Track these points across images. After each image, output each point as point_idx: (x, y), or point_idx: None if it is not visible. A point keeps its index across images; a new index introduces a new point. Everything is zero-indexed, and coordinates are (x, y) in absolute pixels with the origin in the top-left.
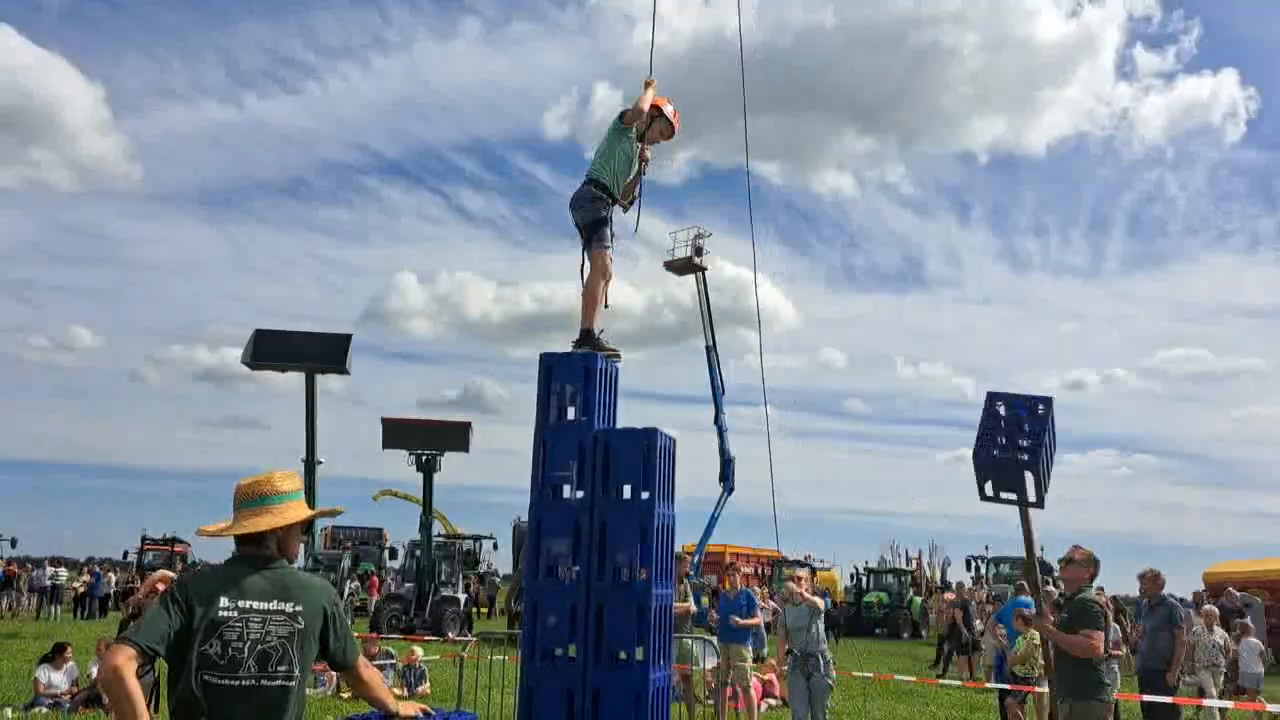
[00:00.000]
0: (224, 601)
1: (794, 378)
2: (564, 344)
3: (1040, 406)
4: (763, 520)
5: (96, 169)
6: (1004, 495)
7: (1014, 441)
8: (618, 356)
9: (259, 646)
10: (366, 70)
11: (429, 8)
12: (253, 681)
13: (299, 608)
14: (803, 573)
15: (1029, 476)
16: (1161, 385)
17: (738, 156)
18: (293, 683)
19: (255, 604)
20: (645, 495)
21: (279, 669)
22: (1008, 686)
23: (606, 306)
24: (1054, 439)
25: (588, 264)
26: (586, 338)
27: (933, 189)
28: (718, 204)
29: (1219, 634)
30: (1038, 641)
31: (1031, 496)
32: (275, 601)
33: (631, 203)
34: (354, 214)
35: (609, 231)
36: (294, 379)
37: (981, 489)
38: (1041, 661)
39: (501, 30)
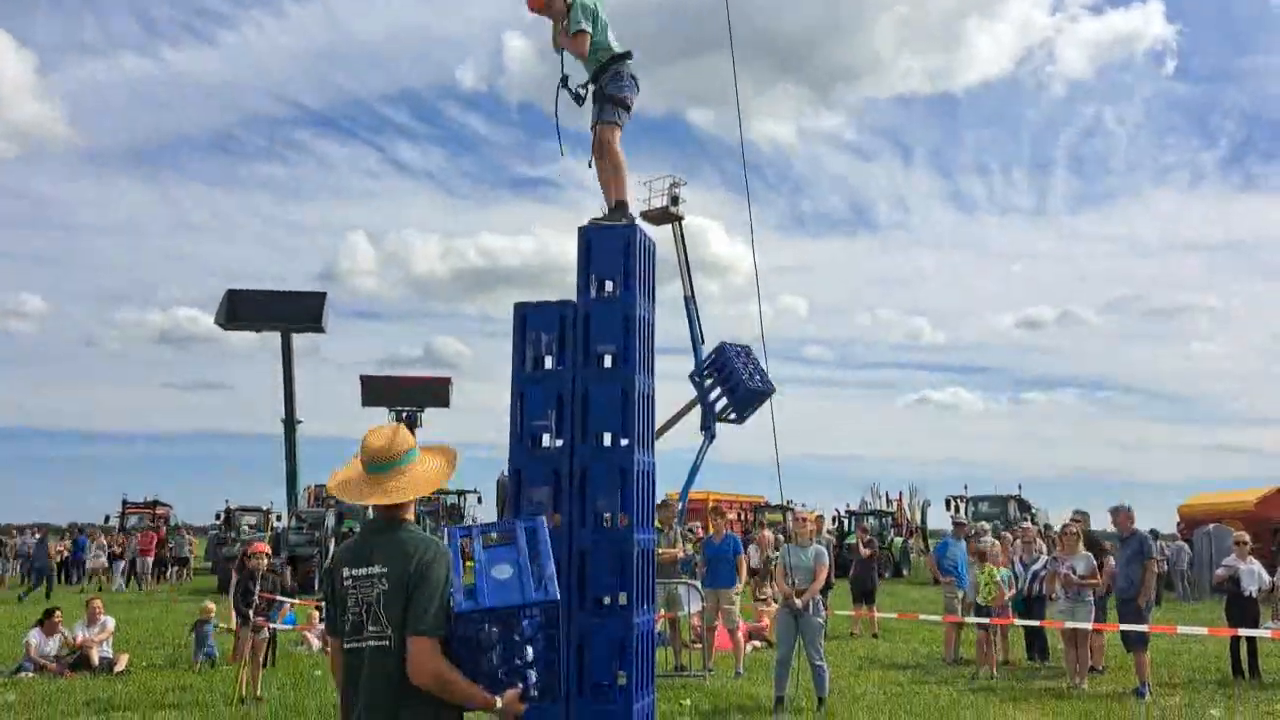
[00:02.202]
0: (345, 572)
1: (753, 324)
2: (517, 296)
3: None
4: (743, 468)
5: (24, 130)
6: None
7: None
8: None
9: (359, 610)
10: (281, 18)
11: None
12: (358, 643)
13: (384, 569)
14: (810, 515)
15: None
16: (1116, 323)
17: (670, 103)
18: (385, 641)
19: (357, 570)
20: (625, 442)
21: (370, 629)
22: (989, 621)
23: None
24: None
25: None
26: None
27: (871, 132)
28: (656, 151)
29: None
30: (998, 579)
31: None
32: (368, 566)
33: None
34: (289, 169)
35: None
36: (253, 338)
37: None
38: (996, 594)
39: None
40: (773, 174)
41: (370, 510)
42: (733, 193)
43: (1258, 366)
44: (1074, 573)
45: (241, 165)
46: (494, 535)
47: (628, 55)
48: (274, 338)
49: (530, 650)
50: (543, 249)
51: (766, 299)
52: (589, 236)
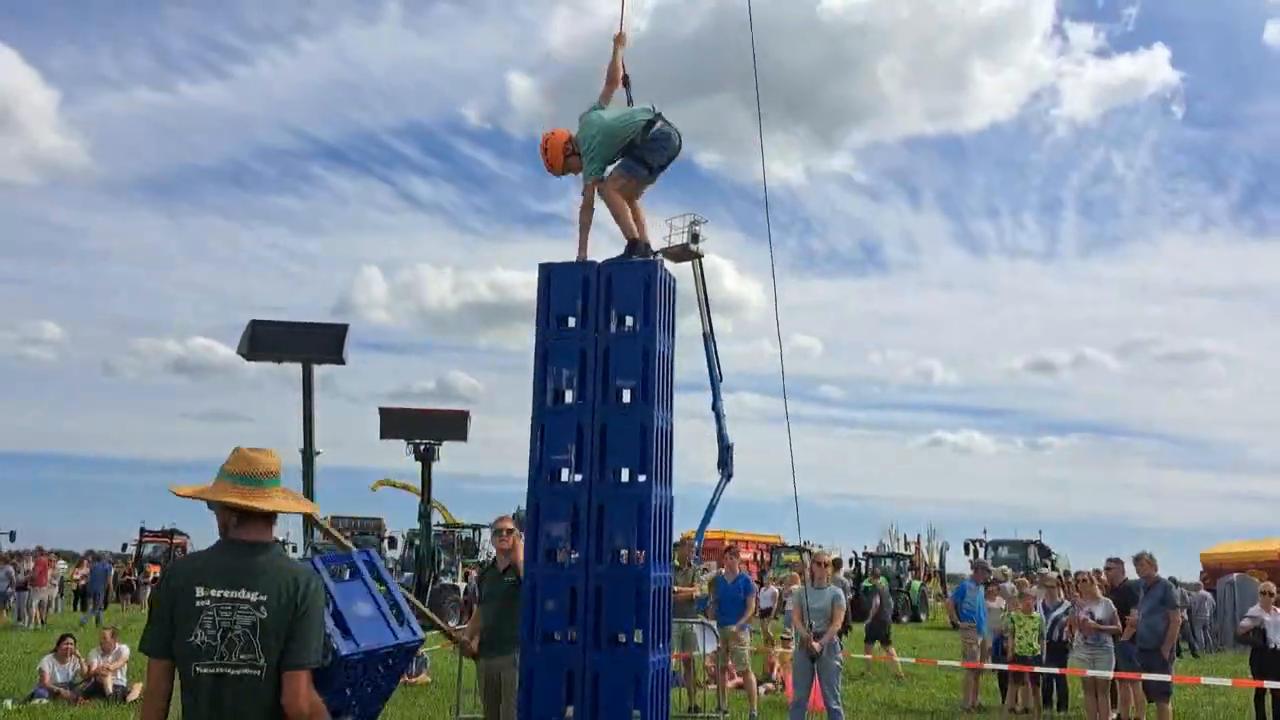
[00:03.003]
0: (199, 590)
1: (766, 362)
2: (528, 331)
3: None
4: (760, 506)
5: (43, 159)
6: None
7: None
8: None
9: (215, 634)
10: (294, 54)
11: None
12: (213, 668)
13: (262, 596)
14: (828, 557)
15: None
16: (1130, 367)
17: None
18: (258, 672)
19: (220, 591)
20: (643, 478)
21: (241, 656)
22: (1007, 667)
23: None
24: None
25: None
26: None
27: (879, 173)
28: (667, 192)
29: None
30: (1035, 624)
31: None
32: (237, 589)
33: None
34: (304, 202)
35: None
36: (269, 369)
37: None
38: (1037, 644)
39: (425, 13)
40: (782, 214)
41: (235, 530)
42: (743, 232)
43: (1275, 414)
44: (1092, 618)
45: (256, 198)
46: (342, 568)
47: (648, 123)
48: (290, 368)
49: (377, 686)
50: None
51: (772, 335)
52: (610, 271)
